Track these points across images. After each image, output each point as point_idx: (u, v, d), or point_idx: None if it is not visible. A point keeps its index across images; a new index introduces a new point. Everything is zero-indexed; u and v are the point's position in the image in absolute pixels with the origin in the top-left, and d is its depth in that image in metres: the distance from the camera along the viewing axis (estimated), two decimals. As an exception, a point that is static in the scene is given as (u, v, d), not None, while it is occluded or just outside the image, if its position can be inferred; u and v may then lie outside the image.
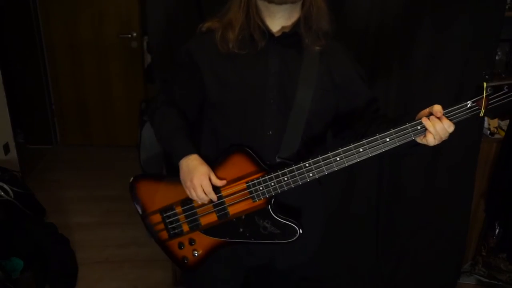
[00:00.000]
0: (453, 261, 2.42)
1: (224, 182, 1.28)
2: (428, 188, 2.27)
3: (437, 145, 1.11)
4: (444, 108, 1.09)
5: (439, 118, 1.08)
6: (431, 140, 1.10)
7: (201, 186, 1.26)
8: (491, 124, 2.31)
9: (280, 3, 1.17)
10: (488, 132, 2.31)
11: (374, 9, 1.97)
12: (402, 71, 2.06)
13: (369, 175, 2.25)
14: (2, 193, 2.49)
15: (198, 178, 1.25)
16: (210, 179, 1.27)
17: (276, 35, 1.25)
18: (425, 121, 1.09)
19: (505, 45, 2.53)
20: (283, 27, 1.25)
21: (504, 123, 2.33)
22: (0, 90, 3.01)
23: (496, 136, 2.31)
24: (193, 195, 1.28)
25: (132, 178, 1.42)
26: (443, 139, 1.11)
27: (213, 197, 1.28)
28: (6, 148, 3.11)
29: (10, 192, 2.53)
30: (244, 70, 1.27)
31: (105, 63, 3.97)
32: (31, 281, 2.33)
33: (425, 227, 2.35)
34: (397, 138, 1.12)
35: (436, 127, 1.08)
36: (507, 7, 2.08)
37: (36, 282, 2.35)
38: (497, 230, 2.40)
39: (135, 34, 3.83)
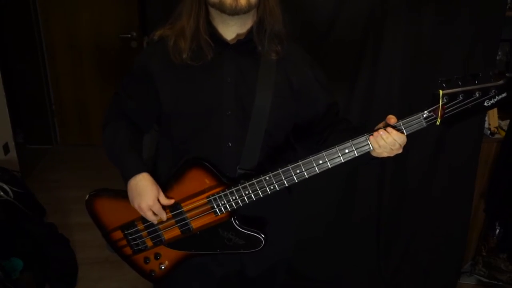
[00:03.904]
0: (453, 261, 2.41)
1: (172, 201, 1.25)
2: (428, 188, 2.27)
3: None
4: (399, 119, 1.07)
5: (387, 131, 1.06)
6: (378, 152, 1.08)
7: (151, 210, 1.24)
8: (491, 124, 2.31)
9: (232, 14, 1.12)
10: (488, 132, 2.31)
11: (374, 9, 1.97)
12: (404, 71, 2.06)
13: (370, 175, 2.25)
14: (2, 193, 2.48)
15: (145, 203, 1.23)
16: (159, 201, 1.24)
17: (231, 43, 1.21)
18: (374, 135, 1.07)
19: (505, 45, 2.53)
20: (238, 35, 1.21)
21: (504, 123, 2.33)
22: (0, 90, 3.00)
23: (496, 136, 2.31)
24: (144, 216, 1.27)
25: (87, 196, 1.36)
26: (395, 152, 1.08)
27: (163, 216, 1.26)
28: (6, 148, 3.11)
29: (10, 192, 2.52)
30: (199, 81, 1.22)
31: (105, 63, 3.96)
32: (31, 281, 2.32)
33: (425, 227, 2.35)
34: (356, 149, 1.10)
35: (380, 143, 1.06)
36: (507, 7, 2.08)
37: (36, 282, 2.35)
38: (497, 230, 2.40)
39: (135, 34, 3.83)
